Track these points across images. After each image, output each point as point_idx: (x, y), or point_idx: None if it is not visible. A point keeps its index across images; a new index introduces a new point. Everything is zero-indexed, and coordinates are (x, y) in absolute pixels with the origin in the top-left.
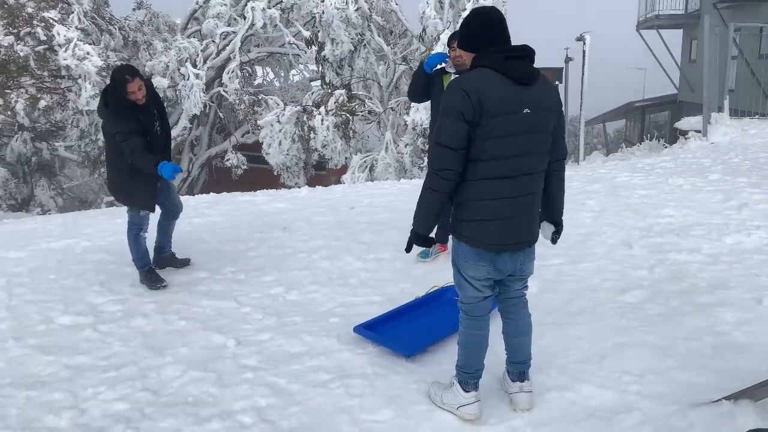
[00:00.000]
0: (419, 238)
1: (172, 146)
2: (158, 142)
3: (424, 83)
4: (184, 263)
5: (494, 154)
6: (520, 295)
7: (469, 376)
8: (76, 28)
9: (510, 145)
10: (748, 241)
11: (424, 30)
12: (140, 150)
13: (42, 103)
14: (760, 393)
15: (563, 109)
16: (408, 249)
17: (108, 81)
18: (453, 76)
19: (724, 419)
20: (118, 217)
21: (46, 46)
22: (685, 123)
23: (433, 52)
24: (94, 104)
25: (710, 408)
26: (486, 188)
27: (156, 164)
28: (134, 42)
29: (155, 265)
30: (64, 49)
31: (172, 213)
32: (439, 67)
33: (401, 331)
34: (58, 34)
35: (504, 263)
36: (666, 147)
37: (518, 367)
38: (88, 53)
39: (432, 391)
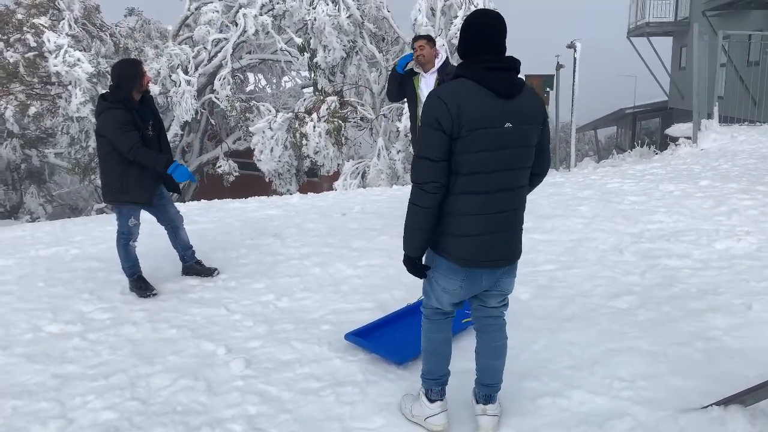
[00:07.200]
0: (409, 262)
1: None
2: (151, 146)
3: (398, 83)
4: (209, 272)
5: (473, 168)
6: (497, 315)
7: (433, 382)
8: (67, 34)
9: (490, 159)
10: (738, 247)
11: None
12: (142, 145)
13: (32, 110)
14: (750, 398)
15: (551, 117)
16: (420, 275)
17: (98, 88)
18: (422, 75)
19: (714, 425)
20: (108, 224)
21: (36, 52)
22: (675, 129)
23: (404, 54)
24: (85, 111)
25: (700, 413)
26: (463, 203)
27: (167, 163)
28: (125, 49)
29: (183, 274)
30: (54, 55)
31: (171, 227)
32: (408, 67)
33: (393, 338)
34: (49, 40)
35: (478, 279)
36: (657, 153)
37: (485, 390)
38: (78, 60)
39: (402, 404)
